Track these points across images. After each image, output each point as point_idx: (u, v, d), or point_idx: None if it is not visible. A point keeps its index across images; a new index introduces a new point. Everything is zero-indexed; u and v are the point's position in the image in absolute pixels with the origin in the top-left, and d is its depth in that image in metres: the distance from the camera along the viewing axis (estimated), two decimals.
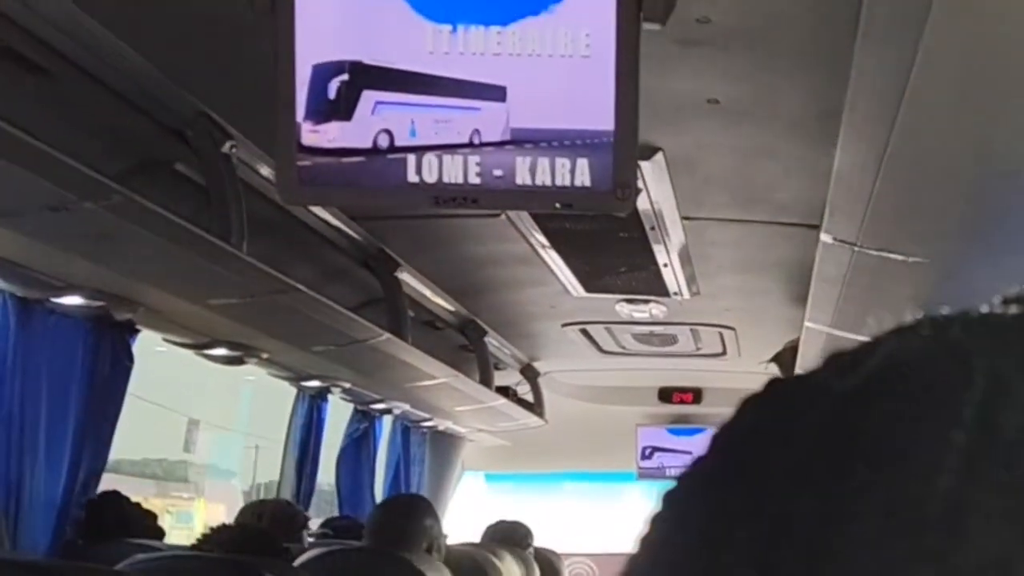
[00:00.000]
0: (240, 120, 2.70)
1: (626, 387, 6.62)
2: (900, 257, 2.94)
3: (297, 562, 2.89)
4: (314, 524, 4.56)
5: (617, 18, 2.04)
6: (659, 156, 3.02)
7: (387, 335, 3.69)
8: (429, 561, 3.11)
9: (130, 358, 3.15)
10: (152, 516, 3.31)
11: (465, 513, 6.59)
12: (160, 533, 3.26)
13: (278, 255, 3.06)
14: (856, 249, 2.96)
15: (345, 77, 2.13)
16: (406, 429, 5.80)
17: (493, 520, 5.16)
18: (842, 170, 2.54)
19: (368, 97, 2.15)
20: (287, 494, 4.71)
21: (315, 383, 4.53)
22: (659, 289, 4.42)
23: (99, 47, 2.29)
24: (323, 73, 2.12)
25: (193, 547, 2.70)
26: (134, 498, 3.31)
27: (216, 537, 2.64)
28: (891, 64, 1.95)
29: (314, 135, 2.15)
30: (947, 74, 1.97)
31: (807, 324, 4.00)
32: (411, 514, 3.28)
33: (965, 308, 0.37)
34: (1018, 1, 1.71)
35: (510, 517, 5.18)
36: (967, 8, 1.74)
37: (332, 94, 2.14)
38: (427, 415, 5.57)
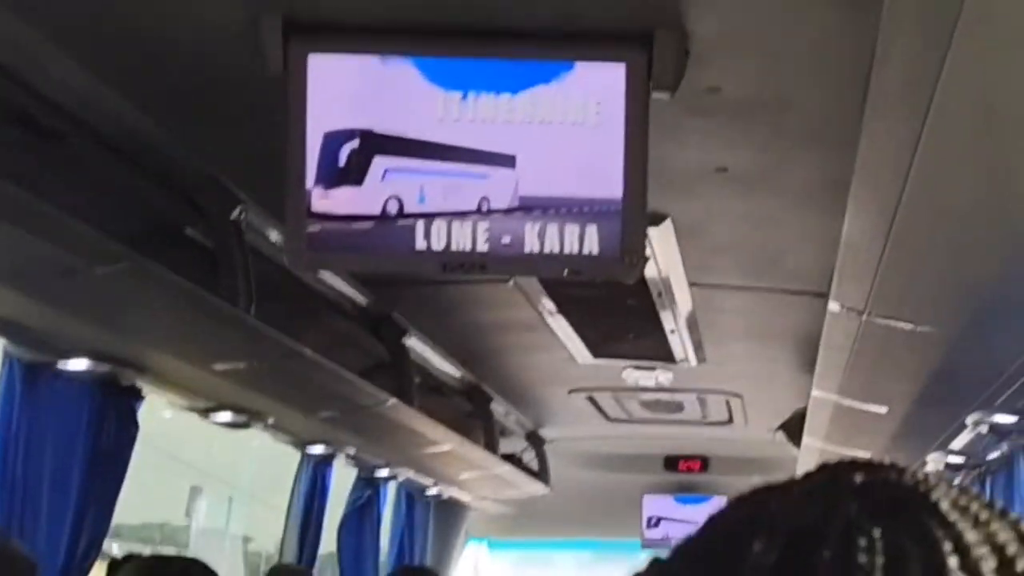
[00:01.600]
0: (250, 185, 2.71)
1: (632, 455, 6.58)
2: (908, 326, 2.93)
3: None
4: None
5: (627, 87, 2.05)
6: (667, 223, 3.03)
7: (393, 400, 3.67)
8: None
9: (135, 424, 3.14)
10: None
11: None
12: None
13: (285, 320, 3.05)
14: (864, 317, 2.95)
15: (356, 144, 2.14)
16: (410, 496, 5.75)
17: None
18: (850, 239, 2.54)
19: (378, 164, 2.16)
20: (289, 559, 4.66)
21: (320, 448, 4.50)
22: (666, 355, 4.41)
23: (110, 113, 2.31)
24: (334, 140, 2.14)
25: None
26: None
27: None
28: (899, 135, 1.95)
29: (324, 201, 2.16)
30: (955, 145, 1.98)
31: (814, 392, 3.98)
32: None
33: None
34: None
35: None
36: (974, 81, 1.75)
37: (343, 161, 2.15)
38: (431, 482, 5.53)
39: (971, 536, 0.40)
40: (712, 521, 0.46)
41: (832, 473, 0.44)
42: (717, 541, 0.43)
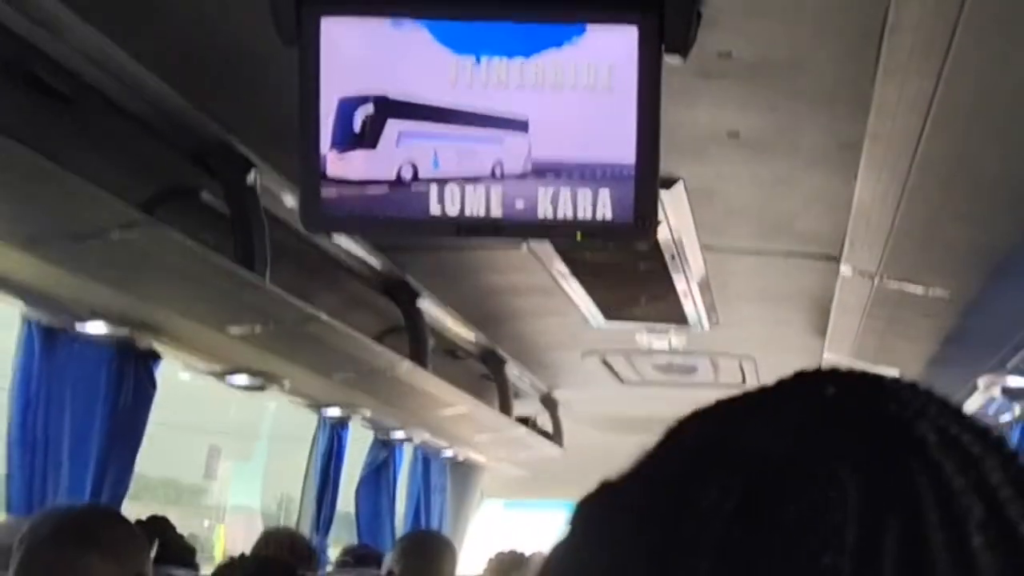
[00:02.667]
0: (264, 150, 2.72)
1: (645, 417, 6.59)
2: (920, 289, 2.94)
3: None
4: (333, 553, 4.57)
5: (639, 51, 2.05)
6: (679, 187, 3.03)
7: (408, 364, 3.70)
8: None
9: (153, 385, 3.17)
10: (191, 550, 3.33)
11: (483, 541, 6.56)
12: (195, 567, 3.26)
13: (301, 284, 3.08)
14: (876, 280, 2.96)
15: (370, 109, 2.15)
16: (426, 458, 5.80)
17: (495, 551, 5.12)
18: (862, 202, 2.55)
19: (392, 128, 2.17)
20: (307, 521, 4.71)
21: (336, 411, 4.54)
22: (679, 318, 4.42)
23: (126, 77, 2.32)
24: (348, 105, 2.14)
25: None
26: None
27: (233, 567, 2.65)
28: (912, 96, 1.95)
29: (339, 165, 2.17)
30: (967, 106, 1.98)
31: (826, 355, 3.99)
32: (435, 551, 3.29)
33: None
34: None
35: (514, 548, 5.13)
36: (987, 41, 1.75)
37: (357, 125, 2.16)
38: (447, 444, 5.57)
39: (958, 483, 0.36)
40: (669, 443, 0.42)
41: (805, 390, 0.40)
42: (671, 474, 0.40)
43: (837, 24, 2.15)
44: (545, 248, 3.58)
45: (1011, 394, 3.54)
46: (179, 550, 3.18)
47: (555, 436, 6.12)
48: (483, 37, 2.11)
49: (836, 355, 3.86)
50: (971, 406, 3.88)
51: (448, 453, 5.75)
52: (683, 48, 2.07)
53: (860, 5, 2.00)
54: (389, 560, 3.41)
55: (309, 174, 2.18)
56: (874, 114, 2.10)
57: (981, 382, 3.53)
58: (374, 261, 3.66)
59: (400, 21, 2.11)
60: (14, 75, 2.17)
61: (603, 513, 0.40)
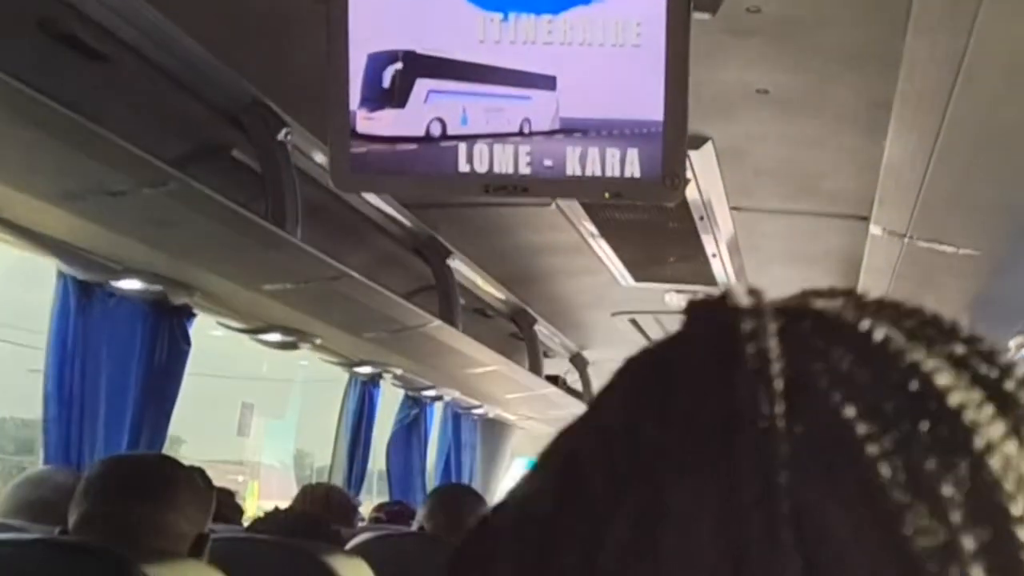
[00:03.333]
0: (295, 108, 2.74)
1: None
2: (951, 249, 2.93)
3: (348, 546, 2.93)
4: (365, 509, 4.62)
5: (668, 7, 2.05)
6: (708, 146, 3.03)
7: (438, 322, 3.72)
8: None
9: (187, 341, 3.22)
10: (239, 509, 3.36)
11: None
12: (238, 514, 3.30)
13: (331, 242, 3.10)
14: (906, 241, 2.95)
15: (399, 66, 2.16)
16: (457, 416, 5.84)
17: None
18: (892, 161, 2.54)
19: (421, 85, 2.18)
20: (339, 478, 4.77)
21: (367, 369, 4.58)
22: (707, 279, 4.42)
23: (157, 34, 2.34)
24: (377, 62, 2.16)
25: (247, 530, 2.75)
26: None
27: (268, 520, 2.69)
28: (942, 55, 1.94)
29: (368, 122, 2.18)
30: (999, 64, 1.97)
31: None
32: (463, 503, 3.32)
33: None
34: None
35: None
36: None
37: (386, 82, 2.17)
38: (477, 402, 5.60)
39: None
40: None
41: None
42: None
43: None
44: (574, 207, 3.59)
45: None
46: (225, 508, 3.22)
47: (584, 395, 6.14)
48: None
49: None
50: None
51: (478, 411, 5.79)
52: (712, 5, 2.07)
53: None
54: (421, 516, 3.45)
55: (339, 131, 2.19)
56: (904, 72, 2.09)
57: (1012, 343, 3.52)
58: (404, 219, 3.68)
59: None
60: (50, 33, 2.19)
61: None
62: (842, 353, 0.34)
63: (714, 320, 0.36)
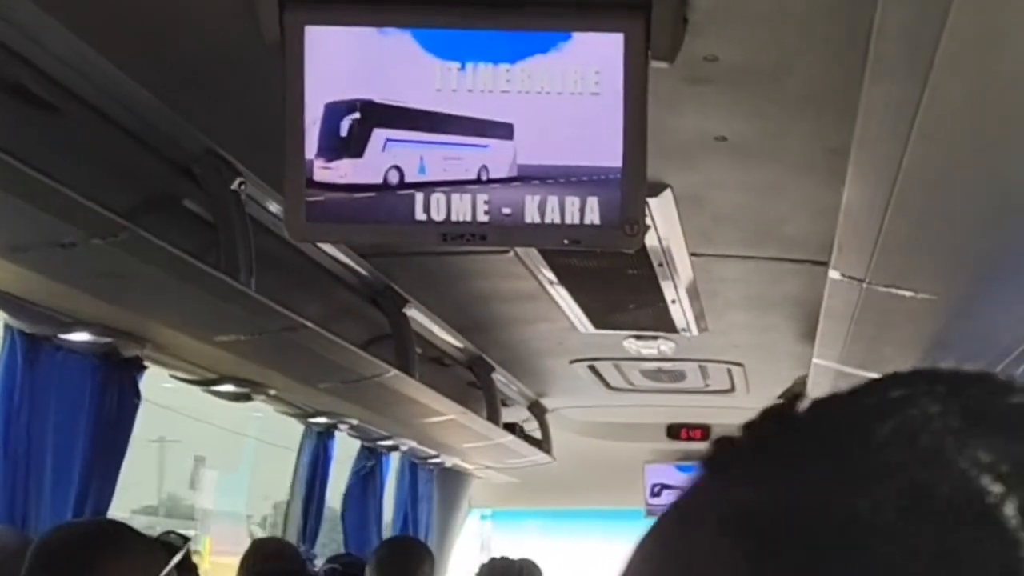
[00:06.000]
0: (249, 156, 2.71)
1: (634, 424, 6.60)
2: (909, 293, 2.93)
3: None
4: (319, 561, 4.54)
5: (625, 56, 2.04)
6: (667, 193, 3.02)
7: (395, 372, 3.68)
8: None
9: (137, 395, 3.15)
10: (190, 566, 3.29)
11: (470, 551, 6.55)
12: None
13: (286, 291, 3.06)
14: (865, 285, 2.95)
15: (357, 115, 2.14)
16: (413, 466, 5.78)
17: (488, 559, 5.10)
18: (850, 206, 2.54)
19: (379, 134, 2.15)
20: (293, 530, 4.69)
21: (322, 420, 4.52)
22: (667, 325, 4.41)
23: (108, 83, 2.30)
24: (335, 111, 2.13)
25: None
26: None
27: None
28: (899, 101, 1.95)
29: (325, 171, 2.15)
30: (955, 111, 1.98)
31: (815, 360, 3.98)
32: (411, 556, 3.27)
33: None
34: None
35: (507, 555, 5.12)
36: (974, 46, 1.75)
37: (344, 132, 2.14)
38: (434, 452, 5.55)
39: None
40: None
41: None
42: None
43: (823, 29, 2.14)
44: (532, 254, 3.57)
45: None
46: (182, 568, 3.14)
47: (544, 444, 6.11)
48: (468, 44, 2.10)
49: (825, 360, 3.85)
50: None
51: (435, 461, 5.73)
52: (670, 54, 2.06)
53: (846, 10, 2.00)
54: (369, 569, 3.39)
55: (294, 181, 2.16)
56: (861, 119, 2.09)
57: None
58: (360, 268, 3.64)
59: (385, 28, 2.10)
60: None
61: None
62: None
63: None
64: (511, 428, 5.46)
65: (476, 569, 4.66)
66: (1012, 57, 1.77)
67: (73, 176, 2.13)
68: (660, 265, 3.60)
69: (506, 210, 2.16)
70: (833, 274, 3.01)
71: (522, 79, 2.08)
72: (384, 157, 2.17)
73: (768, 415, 0.40)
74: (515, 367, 5.25)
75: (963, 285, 2.87)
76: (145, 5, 2.13)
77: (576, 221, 2.15)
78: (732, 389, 5.68)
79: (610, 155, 2.11)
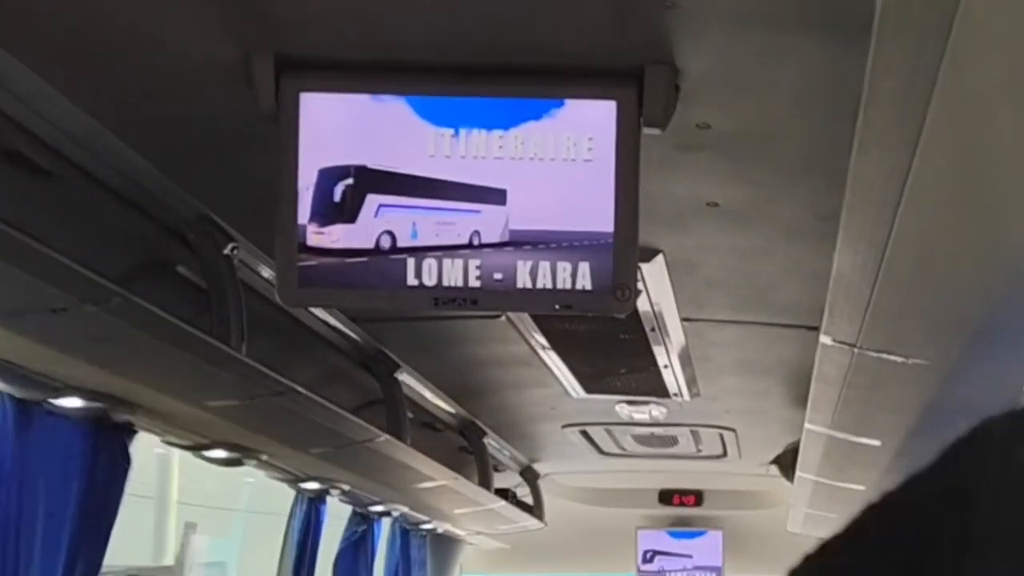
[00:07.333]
0: (242, 222, 2.72)
1: (626, 489, 6.57)
2: (900, 359, 2.94)
3: None
4: None
5: (618, 124, 2.06)
6: (659, 258, 3.04)
7: (386, 437, 3.67)
8: None
9: (127, 460, 3.13)
10: None
11: None
12: None
13: (278, 356, 3.05)
14: (856, 351, 2.95)
15: (350, 181, 2.15)
16: (405, 531, 5.73)
17: None
18: (841, 272, 2.55)
19: (372, 200, 2.16)
20: None
21: (314, 485, 4.49)
22: (659, 390, 4.41)
23: (103, 151, 2.31)
24: (328, 177, 2.14)
25: None
26: None
27: None
28: (888, 169, 1.96)
29: (318, 236, 2.16)
30: (944, 178, 1.99)
31: (807, 426, 3.97)
32: None
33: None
34: (1012, 106, 1.73)
35: None
36: (962, 115, 1.77)
37: (337, 197, 2.15)
38: (426, 517, 5.51)
39: None
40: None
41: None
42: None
43: (813, 98, 2.17)
44: (524, 319, 3.58)
45: None
46: None
47: (536, 509, 6.07)
48: (462, 110, 2.12)
49: (817, 426, 3.84)
50: None
51: (427, 526, 5.69)
52: (662, 121, 2.08)
53: (835, 79, 2.02)
54: None
55: (287, 246, 2.17)
56: (851, 186, 2.11)
57: None
58: (352, 333, 3.64)
59: (380, 96, 2.12)
60: None
61: None
62: None
63: None
64: (503, 493, 5.43)
65: None
66: (999, 125, 1.79)
67: (67, 241, 2.13)
68: (652, 330, 3.61)
69: (498, 275, 2.17)
70: (824, 339, 3.01)
71: (515, 145, 2.10)
72: (377, 222, 2.18)
73: None
74: (507, 432, 5.24)
75: (954, 350, 2.87)
76: (141, 73, 2.15)
77: (568, 286, 2.16)
78: (724, 454, 5.66)
79: (602, 220, 2.12)
